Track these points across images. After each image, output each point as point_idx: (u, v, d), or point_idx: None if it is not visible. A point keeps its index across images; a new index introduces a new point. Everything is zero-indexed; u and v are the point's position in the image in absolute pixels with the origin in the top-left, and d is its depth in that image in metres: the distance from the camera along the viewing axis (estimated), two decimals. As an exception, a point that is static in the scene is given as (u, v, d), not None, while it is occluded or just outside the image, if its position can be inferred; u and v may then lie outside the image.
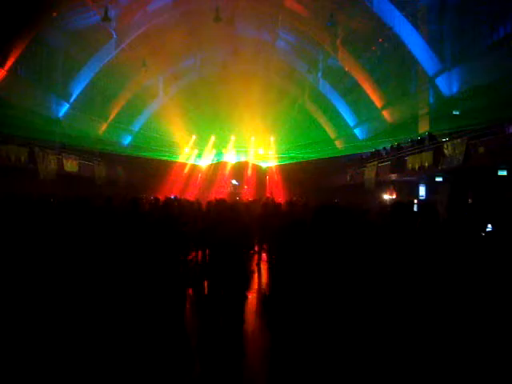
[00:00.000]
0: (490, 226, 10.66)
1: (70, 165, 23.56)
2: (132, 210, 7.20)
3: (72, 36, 23.69)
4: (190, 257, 7.44)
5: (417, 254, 4.91)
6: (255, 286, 10.13)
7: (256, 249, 10.55)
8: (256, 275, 10.73)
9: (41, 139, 21.63)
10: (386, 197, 22.60)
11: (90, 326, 4.96)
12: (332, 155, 28.60)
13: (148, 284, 5.62)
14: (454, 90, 19.91)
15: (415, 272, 4.34)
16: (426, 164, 18.83)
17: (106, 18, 21.78)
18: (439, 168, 17.73)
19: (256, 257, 11.07)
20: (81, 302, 4.92)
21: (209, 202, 10.73)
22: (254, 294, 9.28)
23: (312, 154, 28.89)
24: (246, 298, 6.80)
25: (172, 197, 18.49)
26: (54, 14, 21.48)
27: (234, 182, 32.40)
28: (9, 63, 20.68)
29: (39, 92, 23.57)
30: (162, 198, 13.31)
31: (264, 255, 11.30)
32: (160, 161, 29.55)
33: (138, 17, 24.74)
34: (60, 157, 22.71)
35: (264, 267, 11.11)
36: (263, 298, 8.34)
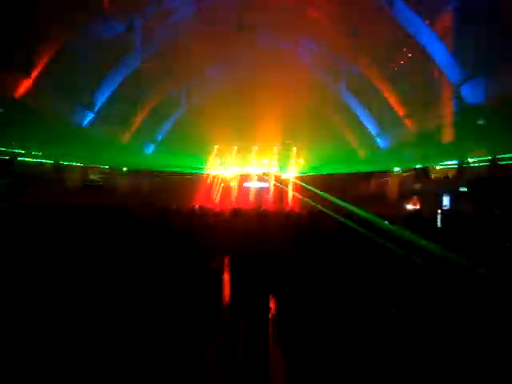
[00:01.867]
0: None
1: (94, 174, 23.89)
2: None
3: (97, 46, 23.94)
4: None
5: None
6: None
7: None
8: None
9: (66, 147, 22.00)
10: (410, 206, 22.45)
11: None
12: (354, 168, 28.51)
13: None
14: (479, 99, 19.72)
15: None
16: (450, 174, 18.69)
17: (130, 28, 22.03)
18: (464, 178, 17.57)
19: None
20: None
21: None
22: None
23: (335, 166, 28.80)
24: None
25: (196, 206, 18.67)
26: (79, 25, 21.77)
27: (255, 189, 32.45)
28: (35, 73, 21.01)
29: (64, 101, 23.89)
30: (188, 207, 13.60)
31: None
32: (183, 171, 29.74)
33: (162, 26, 24.94)
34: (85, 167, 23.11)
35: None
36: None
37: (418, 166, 22.98)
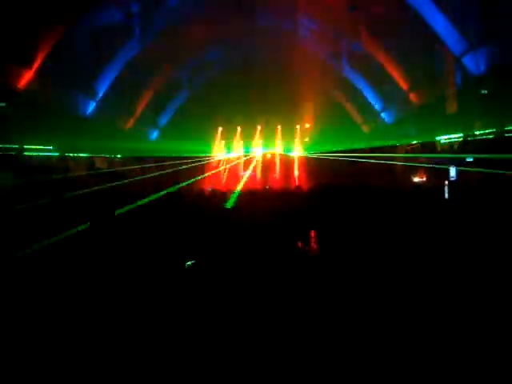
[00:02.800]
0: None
1: (101, 162, 24.04)
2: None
3: (96, 33, 23.90)
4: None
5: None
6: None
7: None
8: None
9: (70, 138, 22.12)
10: (417, 179, 22.48)
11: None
12: (359, 144, 28.51)
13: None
14: (482, 68, 19.65)
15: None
16: (456, 146, 18.69)
17: (129, 15, 21.98)
18: (469, 149, 17.56)
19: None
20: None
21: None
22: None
23: (341, 143, 28.82)
24: None
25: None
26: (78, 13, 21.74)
27: (261, 169, 32.50)
28: (36, 64, 21.05)
29: (66, 91, 23.93)
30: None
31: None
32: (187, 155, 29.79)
33: (161, 11, 24.86)
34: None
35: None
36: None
37: (424, 140, 22.99)
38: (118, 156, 28.83)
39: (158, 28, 25.60)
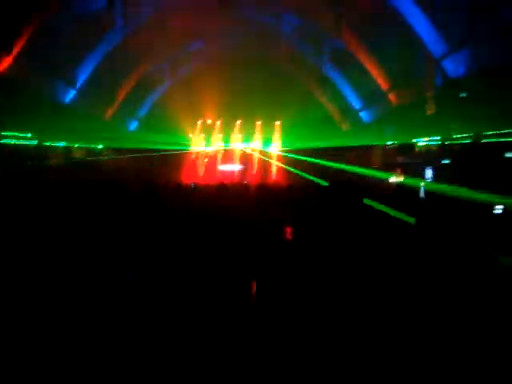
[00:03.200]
0: (499, 207, 10.88)
1: (79, 153, 23.88)
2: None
3: (77, 22, 23.64)
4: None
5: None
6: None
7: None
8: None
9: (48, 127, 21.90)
10: (393, 179, 22.72)
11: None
12: (337, 141, 28.70)
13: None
14: (461, 71, 19.92)
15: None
16: (433, 148, 18.95)
17: (111, 3, 21.82)
18: (446, 151, 17.85)
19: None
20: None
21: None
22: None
23: (319, 140, 28.99)
24: None
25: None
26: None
27: (240, 166, 32.55)
28: (15, 51, 20.77)
29: (46, 79, 23.66)
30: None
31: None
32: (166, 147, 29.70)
33: (143, 2, 24.69)
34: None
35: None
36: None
37: (402, 142, 23.31)
38: (99, 147, 28.62)
39: (140, 19, 25.43)
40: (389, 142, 26.37)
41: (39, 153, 23.16)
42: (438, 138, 21.46)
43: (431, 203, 15.63)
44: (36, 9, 20.60)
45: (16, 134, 22.59)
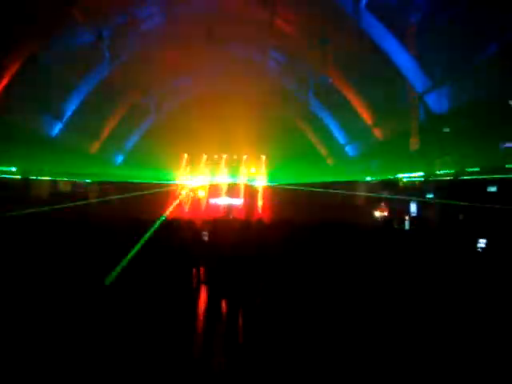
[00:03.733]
0: (482, 241, 10.93)
1: (64, 185, 23.80)
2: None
3: (65, 55, 23.76)
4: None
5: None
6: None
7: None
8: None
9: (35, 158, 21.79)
10: (378, 214, 22.79)
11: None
12: (323, 177, 28.81)
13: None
14: (444, 107, 20.20)
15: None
16: (417, 183, 19.09)
17: (99, 37, 22.02)
18: (430, 186, 17.98)
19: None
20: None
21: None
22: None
23: (304, 175, 29.09)
24: None
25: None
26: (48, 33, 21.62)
27: (228, 200, 32.45)
28: (3, 83, 20.78)
29: (32, 111, 23.63)
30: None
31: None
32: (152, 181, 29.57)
33: (132, 36, 24.92)
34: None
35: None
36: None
37: (386, 177, 23.50)
38: (87, 181, 28.45)
39: (129, 52, 25.65)
40: (369, 178, 26.59)
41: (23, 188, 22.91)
42: (422, 173, 21.64)
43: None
44: (23, 42, 20.70)
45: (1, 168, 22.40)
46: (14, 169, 22.87)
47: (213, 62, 27.55)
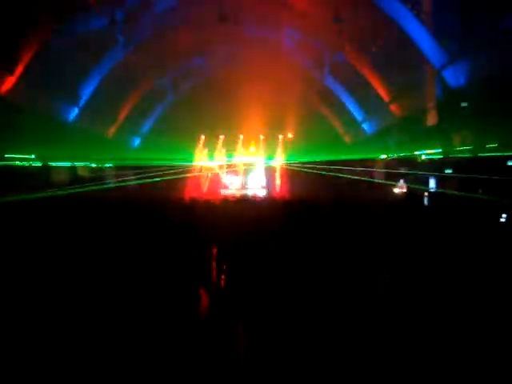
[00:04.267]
0: (503, 216, 10.86)
1: (82, 170, 24.04)
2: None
3: (79, 40, 23.79)
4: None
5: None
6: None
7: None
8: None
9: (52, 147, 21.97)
10: (397, 190, 22.72)
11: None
12: (340, 154, 28.69)
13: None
14: (462, 81, 19.97)
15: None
16: (436, 158, 18.99)
17: (113, 21, 22.01)
18: (449, 162, 17.87)
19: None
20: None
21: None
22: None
23: (323, 153, 28.99)
24: None
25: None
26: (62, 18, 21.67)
27: (246, 180, 32.51)
28: (18, 70, 20.91)
29: (49, 97, 23.77)
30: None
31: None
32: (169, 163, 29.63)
33: (145, 19, 24.86)
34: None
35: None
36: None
37: (404, 154, 23.40)
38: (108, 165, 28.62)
39: (143, 35, 25.61)
40: (384, 156, 26.47)
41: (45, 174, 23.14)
42: (440, 150, 21.51)
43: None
44: (37, 28, 20.77)
45: (19, 155, 22.60)
46: (33, 156, 23.09)
47: (227, 42, 27.40)
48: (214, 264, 7.53)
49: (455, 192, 17.91)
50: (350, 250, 8.03)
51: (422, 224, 10.86)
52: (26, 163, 22.64)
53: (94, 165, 27.47)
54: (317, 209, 12.92)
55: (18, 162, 22.54)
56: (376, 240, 8.68)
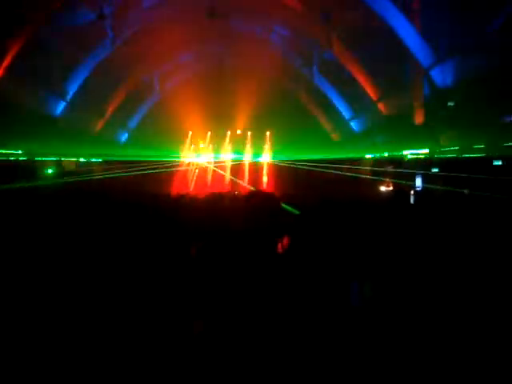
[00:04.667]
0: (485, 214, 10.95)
1: (68, 165, 23.94)
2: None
3: (68, 34, 23.66)
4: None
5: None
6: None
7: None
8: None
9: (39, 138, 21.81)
10: (383, 188, 22.82)
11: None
12: (328, 152, 28.77)
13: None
14: (448, 81, 20.12)
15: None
16: (422, 156, 19.11)
17: (101, 16, 21.90)
18: (435, 161, 18.02)
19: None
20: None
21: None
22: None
23: (310, 150, 29.05)
24: None
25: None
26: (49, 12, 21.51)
27: (232, 176, 32.50)
28: (6, 62, 20.73)
29: (36, 90, 23.60)
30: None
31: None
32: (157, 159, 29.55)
33: (133, 13, 24.77)
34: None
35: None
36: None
37: (391, 154, 23.59)
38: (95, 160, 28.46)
39: (131, 30, 25.51)
40: (370, 156, 26.65)
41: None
42: (427, 150, 21.69)
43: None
44: (25, 22, 20.61)
45: (5, 151, 22.35)
46: (20, 151, 22.87)
47: (215, 37, 27.37)
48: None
49: (440, 189, 18.10)
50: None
51: (403, 216, 11.02)
52: (12, 158, 22.40)
53: (82, 159, 27.33)
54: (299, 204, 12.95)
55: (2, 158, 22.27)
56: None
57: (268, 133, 32.74)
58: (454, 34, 19.00)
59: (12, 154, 22.77)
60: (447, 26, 19.21)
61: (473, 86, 17.71)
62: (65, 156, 25.54)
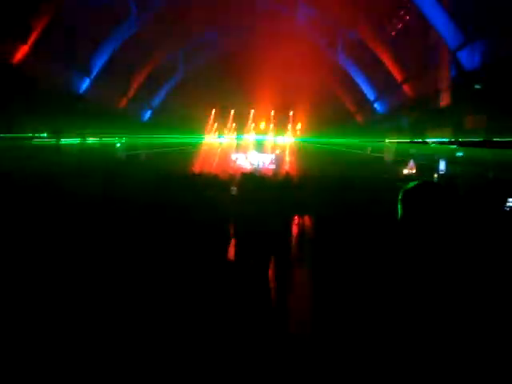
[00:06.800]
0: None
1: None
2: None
3: (92, 11, 23.66)
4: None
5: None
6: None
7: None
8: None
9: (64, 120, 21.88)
10: (406, 171, 22.64)
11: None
12: (352, 134, 28.57)
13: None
14: (476, 64, 19.72)
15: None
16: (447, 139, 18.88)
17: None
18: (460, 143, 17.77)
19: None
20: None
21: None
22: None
23: (334, 131, 28.88)
24: None
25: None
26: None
27: (256, 156, 32.53)
28: (31, 39, 20.81)
29: (61, 68, 23.67)
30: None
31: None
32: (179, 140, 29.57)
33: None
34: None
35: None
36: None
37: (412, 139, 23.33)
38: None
39: (156, 8, 25.44)
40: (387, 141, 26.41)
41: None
42: (451, 133, 21.37)
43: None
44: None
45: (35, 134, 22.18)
46: (45, 135, 22.80)
47: (240, 16, 27.18)
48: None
49: (464, 172, 17.89)
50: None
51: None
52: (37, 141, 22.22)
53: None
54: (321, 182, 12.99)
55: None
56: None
57: (291, 113, 32.63)
58: (483, 15, 18.59)
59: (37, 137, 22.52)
60: (476, 5, 18.80)
61: (501, 68, 17.34)
62: (90, 135, 25.65)
